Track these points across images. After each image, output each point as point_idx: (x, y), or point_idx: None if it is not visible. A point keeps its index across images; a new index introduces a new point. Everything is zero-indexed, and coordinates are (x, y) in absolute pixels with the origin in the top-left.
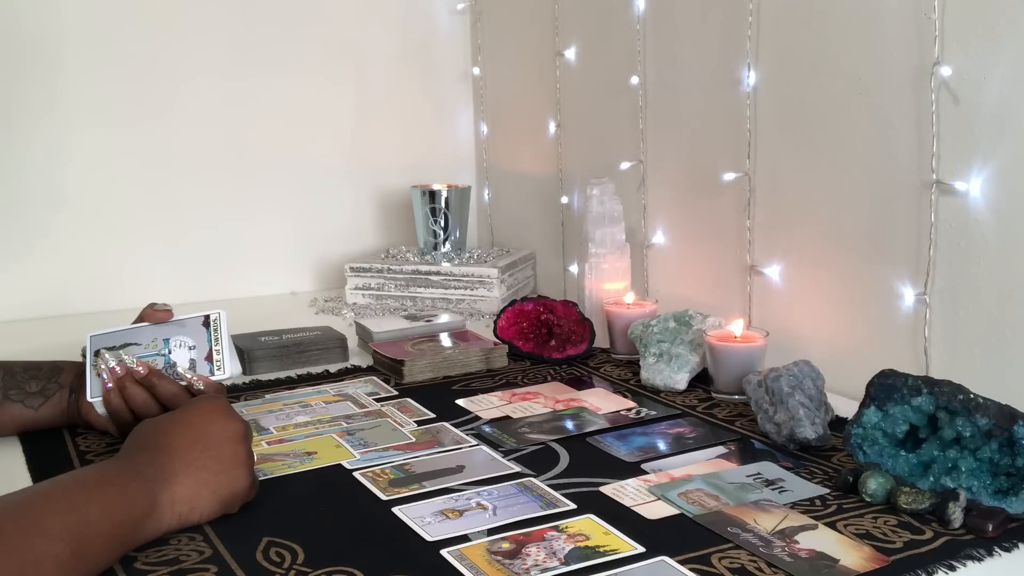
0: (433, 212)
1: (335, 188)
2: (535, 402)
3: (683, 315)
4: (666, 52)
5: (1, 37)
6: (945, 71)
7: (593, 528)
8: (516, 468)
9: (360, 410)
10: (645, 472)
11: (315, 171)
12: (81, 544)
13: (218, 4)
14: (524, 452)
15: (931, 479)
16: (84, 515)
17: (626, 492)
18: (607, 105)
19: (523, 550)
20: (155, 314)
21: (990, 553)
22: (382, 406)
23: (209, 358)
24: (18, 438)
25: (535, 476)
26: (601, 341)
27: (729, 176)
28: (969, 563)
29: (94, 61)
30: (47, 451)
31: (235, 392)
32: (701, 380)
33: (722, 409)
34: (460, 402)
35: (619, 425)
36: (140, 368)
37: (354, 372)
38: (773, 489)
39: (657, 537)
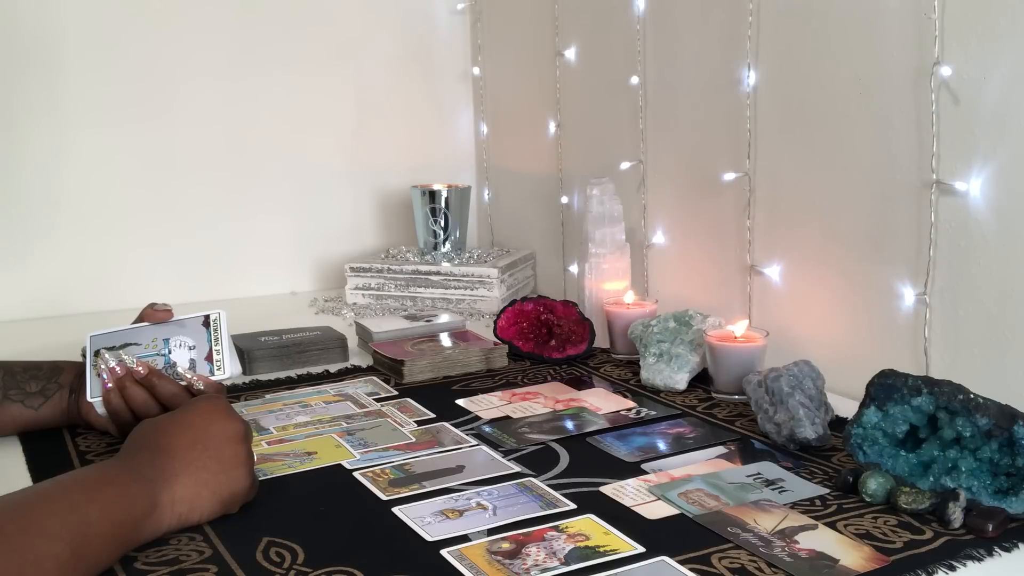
0: (433, 212)
1: (335, 188)
2: (535, 402)
3: (683, 315)
4: (666, 52)
5: (1, 37)
6: (945, 71)
7: (593, 528)
8: (516, 468)
9: (360, 410)
10: (645, 472)
11: (315, 171)
12: (81, 544)
13: (218, 4)
14: (524, 452)
15: (931, 479)
16: (84, 515)
17: (626, 492)
18: (607, 105)
19: (523, 550)
20: (155, 314)
21: (990, 553)
22: (382, 406)
23: (209, 358)
24: (18, 438)
25: (535, 476)
26: (601, 341)
27: (729, 176)
28: (969, 563)
29: (94, 61)
30: (47, 451)
31: (235, 392)
32: (701, 380)
33: (722, 409)
34: (460, 402)
35: (619, 425)
36: (140, 368)
37: (354, 372)
38: (773, 489)
39: (657, 537)
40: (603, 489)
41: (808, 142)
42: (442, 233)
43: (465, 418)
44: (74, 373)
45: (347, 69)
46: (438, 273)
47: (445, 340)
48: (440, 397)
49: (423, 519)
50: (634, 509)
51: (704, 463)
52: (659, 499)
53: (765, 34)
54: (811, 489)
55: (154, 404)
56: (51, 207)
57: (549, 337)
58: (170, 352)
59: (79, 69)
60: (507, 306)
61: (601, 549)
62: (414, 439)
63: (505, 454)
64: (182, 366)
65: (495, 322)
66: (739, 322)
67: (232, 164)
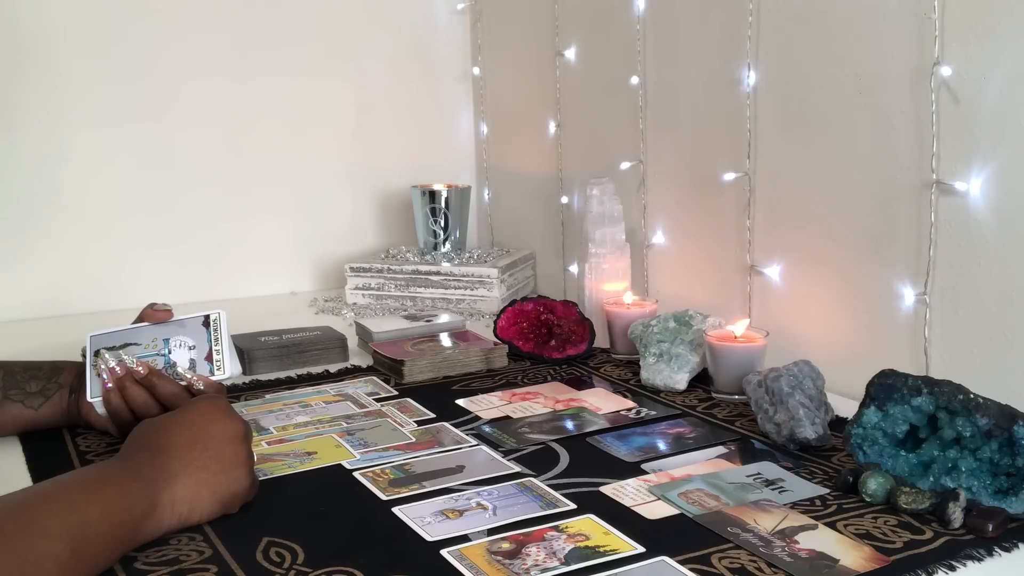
0: (433, 212)
1: (335, 188)
2: (535, 402)
3: (683, 315)
4: (666, 52)
5: (1, 38)
6: (945, 71)
7: (593, 528)
8: (516, 468)
9: (360, 410)
10: (645, 472)
11: (315, 171)
12: (81, 544)
13: (218, 5)
14: (524, 452)
15: (931, 479)
16: (84, 515)
17: (626, 492)
18: (607, 105)
19: (523, 550)
20: (155, 314)
21: (990, 553)
22: (382, 406)
23: (209, 358)
24: (18, 438)
25: (535, 476)
26: (601, 341)
27: (729, 176)
28: (969, 563)
29: (94, 62)
30: (47, 451)
31: (235, 392)
32: (701, 380)
33: (722, 409)
34: (460, 402)
35: (619, 425)
36: (140, 368)
37: (354, 372)
38: (773, 489)
39: (657, 537)
40: (603, 489)
41: (808, 142)
42: (442, 233)
43: (465, 418)
44: (74, 373)
45: (347, 69)
46: (438, 273)
47: (445, 340)
48: (440, 397)
49: (423, 519)
50: (634, 509)
51: (704, 463)
52: (659, 499)
53: (765, 34)
54: (811, 489)
55: (154, 404)
56: (51, 207)
57: (549, 337)
58: (170, 352)
59: (79, 69)
60: (507, 306)
61: (601, 549)
62: (414, 439)
63: (505, 454)
64: (182, 366)
65: (495, 322)
66: (739, 322)
67: (232, 164)
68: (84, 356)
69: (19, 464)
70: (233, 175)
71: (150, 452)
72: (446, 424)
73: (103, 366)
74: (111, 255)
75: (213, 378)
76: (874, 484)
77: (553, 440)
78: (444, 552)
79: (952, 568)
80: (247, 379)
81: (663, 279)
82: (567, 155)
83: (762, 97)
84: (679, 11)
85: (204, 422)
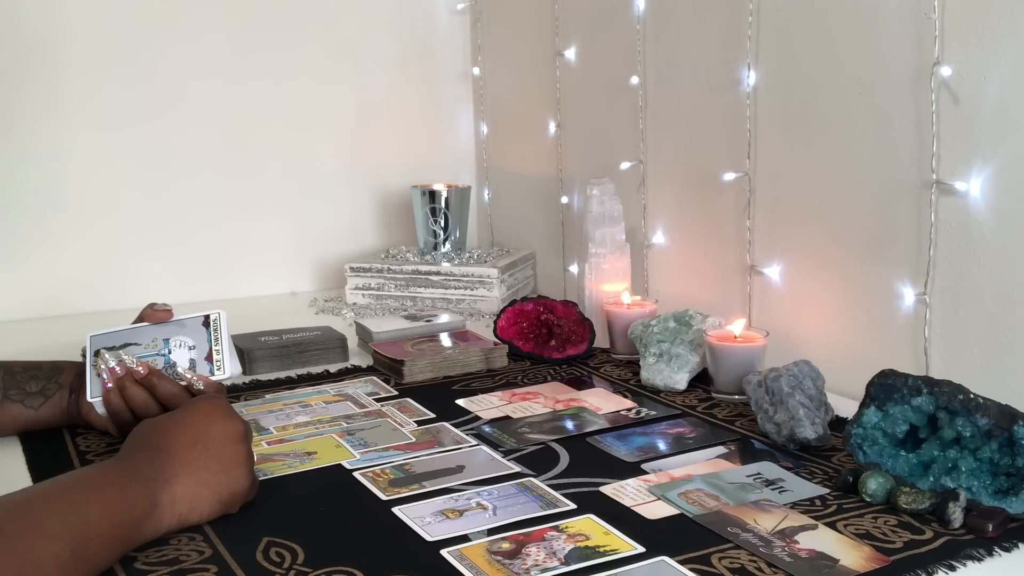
0: (433, 212)
1: (335, 188)
2: (535, 402)
3: (683, 315)
4: (666, 52)
5: (2, 38)
6: (945, 71)
7: (593, 528)
8: (516, 468)
9: (360, 410)
10: (645, 472)
11: (315, 171)
12: (81, 544)
13: (219, 6)
14: (524, 452)
15: (931, 479)
16: (84, 515)
17: (626, 492)
18: (607, 105)
19: (523, 550)
20: (155, 314)
21: (990, 553)
22: (382, 406)
23: (209, 358)
24: (18, 438)
25: (535, 476)
26: (601, 341)
27: (729, 176)
28: (969, 563)
29: (95, 63)
30: (47, 451)
31: (235, 392)
32: (701, 380)
33: (722, 409)
34: (460, 402)
35: (619, 425)
36: (140, 368)
37: (354, 372)
38: (773, 489)
39: (657, 537)
40: (603, 489)
41: (808, 142)
42: (442, 233)
43: (465, 418)
44: (74, 373)
45: (347, 69)
46: (438, 273)
47: (445, 340)
48: (440, 397)
49: (423, 519)
50: (634, 509)
51: (704, 463)
52: (659, 499)
53: (765, 34)
54: (811, 489)
55: (154, 404)
56: (52, 207)
57: (549, 337)
58: (170, 352)
59: (80, 70)
60: (507, 306)
61: (601, 549)
62: (414, 439)
63: (505, 454)
64: (182, 366)
65: (495, 322)
66: (736, 321)
67: (232, 164)
68: (84, 356)
69: (19, 464)
70: (233, 175)
71: (150, 452)
72: (446, 424)
73: (103, 366)
74: (111, 255)
75: (213, 378)
76: (874, 484)
77: (553, 440)
78: (444, 552)
79: (952, 568)
80: (247, 379)
81: (663, 279)
82: (567, 155)
83: (762, 97)
84: (679, 11)
85: (204, 422)
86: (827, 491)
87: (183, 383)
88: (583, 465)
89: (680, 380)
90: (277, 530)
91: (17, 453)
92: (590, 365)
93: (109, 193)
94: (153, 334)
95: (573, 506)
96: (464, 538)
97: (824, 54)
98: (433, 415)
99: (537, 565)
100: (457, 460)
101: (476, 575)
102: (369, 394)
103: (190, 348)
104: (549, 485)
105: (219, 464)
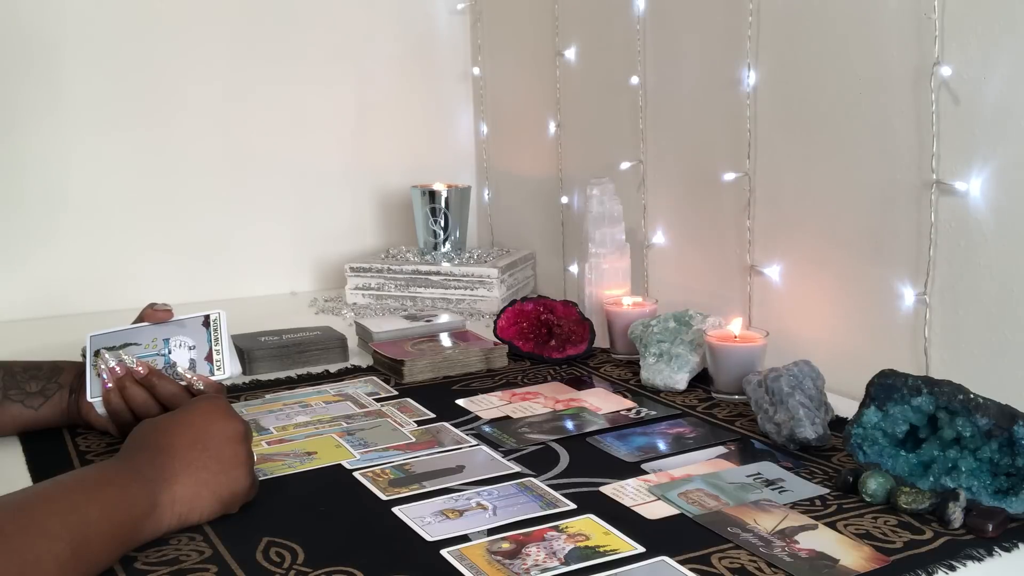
0: (433, 212)
1: (335, 188)
2: (535, 402)
3: (683, 315)
4: (666, 52)
5: (3, 39)
6: (945, 71)
7: (593, 528)
8: (516, 468)
9: (360, 410)
10: (645, 472)
11: (315, 171)
12: (81, 544)
13: (218, 6)
14: (524, 452)
15: (931, 479)
16: (84, 515)
17: (626, 492)
18: (607, 105)
19: (523, 550)
20: (155, 314)
21: (990, 553)
22: (382, 406)
23: (209, 358)
24: (18, 438)
25: (535, 476)
26: (601, 341)
27: (729, 176)
28: (969, 563)
29: (96, 63)
30: (47, 451)
31: (235, 392)
32: (701, 380)
33: (722, 409)
34: (460, 402)
35: (619, 425)
36: (140, 368)
37: (354, 372)
38: (773, 489)
39: (657, 537)
40: (603, 489)
41: (808, 142)
42: (442, 233)
43: (465, 418)
44: (74, 373)
45: (347, 69)
46: (438, 273)
47: (445, 340)
48: (440, 397)
49: (423, 519)
50: (634, 509)
51: (704, 463)
52: (659, 499)
53: (765, 34)
54: (811, 489)
55: (154, 404)
56: (52, 207)
57: (549, 337)
58: (170, 352)
59: (81, 71)
60: (507, 306)
61: (601, 549)
62: (414, 439)
63: (505, 454)
64: (182, 366)
65: (495, 322)
66: (736, 321)
67: (232, 164)
68: (84, 356)
69: (19, 464)
70: (233, 175)
71: (150, 452)
72: (446, 424)
73: (103, 366)
74: (112, 255)
75: (213, 378)
76: (874, 484)
77: (553, 440)
78: (444, 552)
79: (952, 568)
80: (247, 379)
81: (663, 279)
82: (567, 155)
83: (762, 97)
84: (679, 11)
85: (204, 422)
86: (827, 491)
87: (183, 383)
88: (583, 465)
89: (680, 380)
90: (277, 530)
91: (17, 453)
92: (590, 365)
93: (109, 193)
94: (153, 334)
95: (573, 506)
96: (464, 538)
97: (824, 54)
98: (433, 415)
99: (537, 565)
100: (457, 460)
101: (476, 575)
102: (369, 394)
103: (190, 348)
104: (549, 485)
105: (219, 464)
